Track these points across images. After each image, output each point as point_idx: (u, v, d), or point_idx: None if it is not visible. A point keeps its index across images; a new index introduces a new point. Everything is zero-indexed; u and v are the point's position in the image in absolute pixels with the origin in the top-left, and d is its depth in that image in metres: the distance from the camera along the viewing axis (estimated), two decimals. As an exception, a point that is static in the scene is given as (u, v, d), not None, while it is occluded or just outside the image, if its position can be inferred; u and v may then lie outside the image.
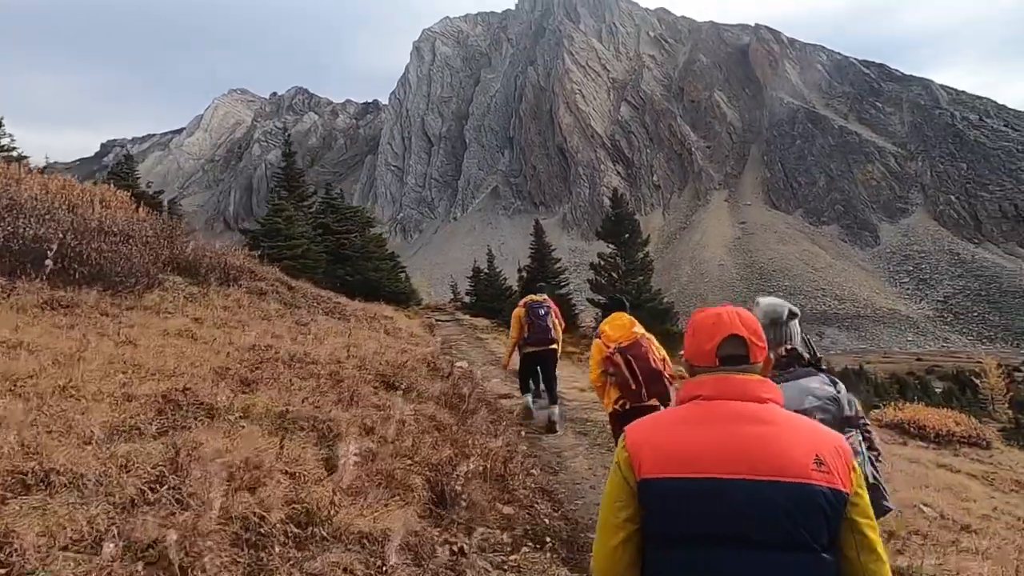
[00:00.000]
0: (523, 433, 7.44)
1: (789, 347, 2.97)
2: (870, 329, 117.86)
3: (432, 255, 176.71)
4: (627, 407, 5.45)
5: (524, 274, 31.16)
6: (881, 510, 2.75)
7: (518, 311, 9.09)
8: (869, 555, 1.84)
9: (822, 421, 2.22)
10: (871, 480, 2.71)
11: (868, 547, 1.84)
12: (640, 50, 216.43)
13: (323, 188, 25.76)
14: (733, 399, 1.92)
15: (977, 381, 40.44)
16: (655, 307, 23.03)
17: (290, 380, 5.77)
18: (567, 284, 31.97)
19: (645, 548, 1.90)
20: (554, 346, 9.02)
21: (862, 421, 2.92)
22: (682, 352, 2.11)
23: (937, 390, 50.75)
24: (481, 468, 4.79)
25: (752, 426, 1.86)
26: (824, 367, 3.00)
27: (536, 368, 9.09)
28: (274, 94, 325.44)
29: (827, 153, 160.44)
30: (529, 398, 9.18)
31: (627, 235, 25.87)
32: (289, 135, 27.88)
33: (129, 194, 24.19)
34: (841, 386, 2.89)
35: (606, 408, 5.78)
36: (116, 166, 26.30)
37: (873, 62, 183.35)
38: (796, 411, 2.15)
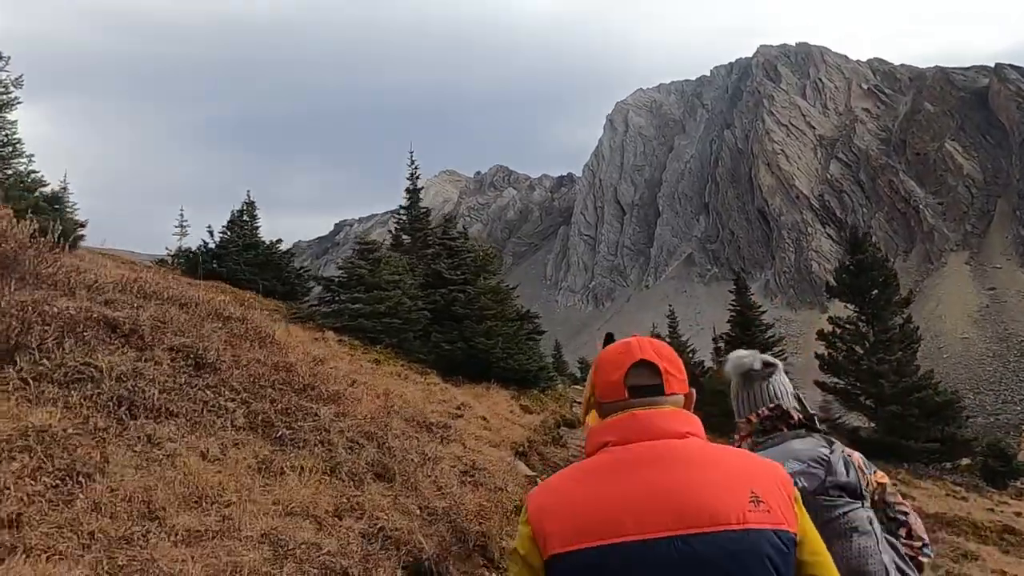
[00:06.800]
0: None
1: (772, 405, 2.51)
2: None
3: (624, 324, 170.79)
4: None
5: (721, 344, 24.21)
6: None
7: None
8: None
9: (805, 487, 2.10)
10: (895, 575, 2.26)
11: None
12: (851, 104, 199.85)
13: (440, 225, 20.32)
14: (645, 439, 1.59)
15: None
16: (928, 399, 15.17)
17: None
18: (783, 358, 24.45)
19: None
20: None
21: (890, 499, 2.49)
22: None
23: None
24: None
25: (671, 469, 1.54)
26: (820, 427, 2.53)
27: None
28: (478, 173, 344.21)
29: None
30: None
31: (875, 291, 18.16)
32: (417, 173, 24.05)
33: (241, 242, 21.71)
34: (839, 447, 2.43)
35: None
36: (237, 214, 23.97)
37: None
38: None
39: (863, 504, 2.35)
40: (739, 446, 2.52)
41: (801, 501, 1.59)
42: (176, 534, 3.43)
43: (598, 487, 1.53)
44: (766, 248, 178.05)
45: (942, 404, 18.72)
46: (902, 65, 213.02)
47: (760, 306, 27.31)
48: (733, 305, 25.11)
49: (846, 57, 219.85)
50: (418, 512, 4.89)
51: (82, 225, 14.66)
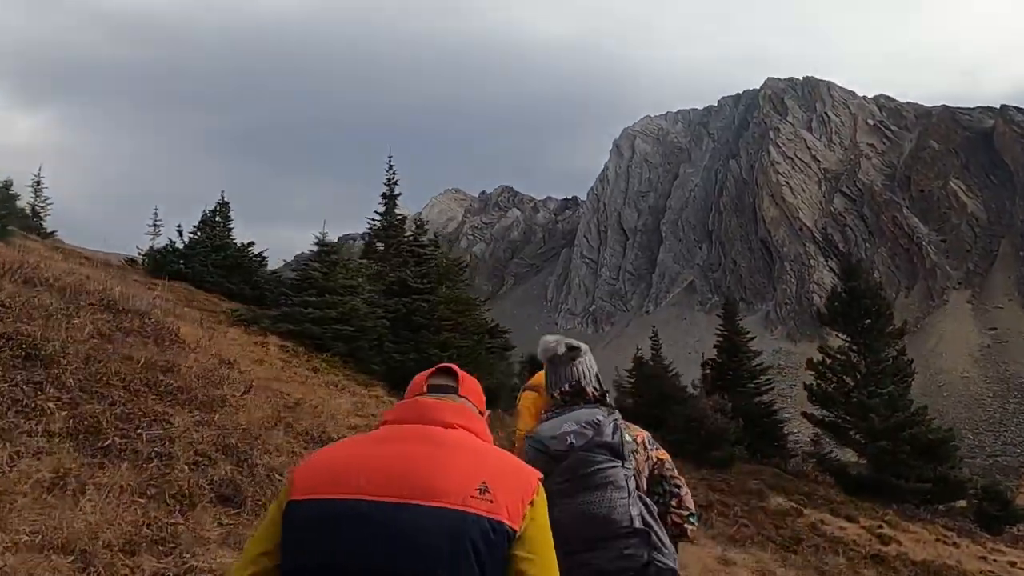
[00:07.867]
0: None
1: (572, 383, 2.91)
2: None
3: (624, 348, 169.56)
4: None
5: (708, 371, 23.30)
6: (658, 569, 2.56)
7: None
8: None
9: (573, 444, 2.51)
10: (638, 525, 2.53)
11: None
12: (857, 139, 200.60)
13: (412, 227, 19.39)
14: (417, 423, 1.71)
15: None
16: (920, 435, 14.27)
17: None
18: (770, 388, 23.56)
19: None
20: None
21: (667, 473, 2.85)
22: None
23: None
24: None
25: (419, 446, 1.63)
26: (610, 403, 2.95)
27: None
28: (483, 192, 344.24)
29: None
30: None
31: (868, 320, 17.28)
32: (395, 178, 23.15)
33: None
34: (616, 415, 2.79)
35: None
36: (209, 215, 23.29)
37: None
38: (552, 436, 2.59)
39: (623, 464, 2.60)
40: (544, 414, 2.90)
41: (544, 507, 1.65)
42: None
43: (353, 451, 1.65)
44: (768, 279, 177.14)
45: (935, 442, 17.68)
46: (908, 103, 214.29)
47: (749, 332, 26.23)
48: (721, 330, 24.24)
49: (853, 93, 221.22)
50: (257, 547, 3.96)
51: (6, 214, 13.94)
